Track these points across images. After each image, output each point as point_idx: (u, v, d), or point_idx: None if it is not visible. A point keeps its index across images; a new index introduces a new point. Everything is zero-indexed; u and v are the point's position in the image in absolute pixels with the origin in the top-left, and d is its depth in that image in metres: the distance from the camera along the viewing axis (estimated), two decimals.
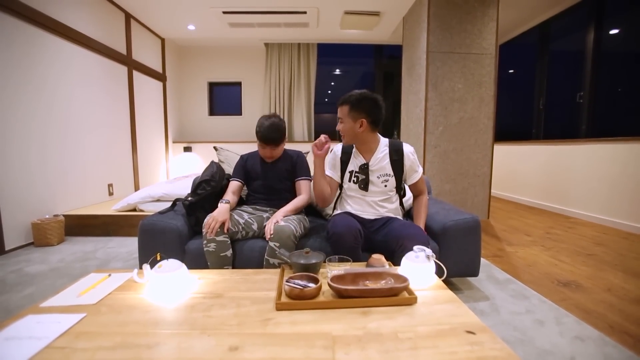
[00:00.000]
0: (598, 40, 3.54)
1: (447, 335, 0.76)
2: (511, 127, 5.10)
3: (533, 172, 4.11)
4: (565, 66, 4.19)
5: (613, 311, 1.54)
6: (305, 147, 2.11)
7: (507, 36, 4.82)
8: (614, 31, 3.50)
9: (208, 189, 1.66)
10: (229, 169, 1.90)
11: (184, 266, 1.01)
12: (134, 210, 2.91)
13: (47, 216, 2.65)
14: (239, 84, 5.40)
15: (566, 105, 4.11)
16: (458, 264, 1.58)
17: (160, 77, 4.65)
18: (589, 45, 3.62)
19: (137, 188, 4.04)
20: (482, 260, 2.19)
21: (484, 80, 3.22)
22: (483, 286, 1.79)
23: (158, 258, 1.03)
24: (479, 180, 3.32)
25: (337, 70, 5.91)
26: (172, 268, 0.99)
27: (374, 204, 1.55)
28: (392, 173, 1.54)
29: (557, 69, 4.25)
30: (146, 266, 1.01)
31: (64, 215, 2.73)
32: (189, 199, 1.64)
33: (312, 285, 0.92)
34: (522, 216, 3.56)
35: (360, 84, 5.98)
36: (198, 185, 1.66)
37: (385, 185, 1.54)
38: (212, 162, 1.83)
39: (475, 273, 1.63)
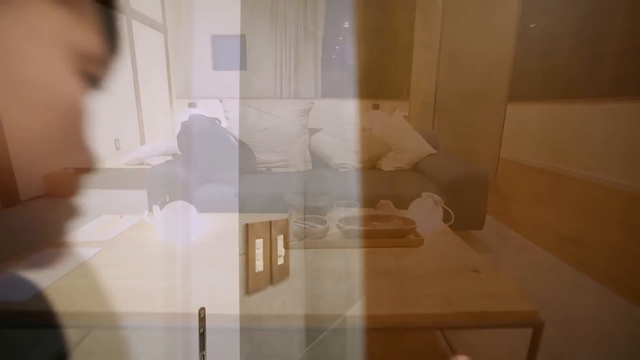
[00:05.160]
0: None
1: (453, 273, 0.77)
2: (528, 85, 4.83)
3: (545, 133, 3.99)
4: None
5: (613, 265, 1.56)
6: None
7: None
8: None
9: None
10: (234, 120, 1.88)
11: (192, 207, 1.03)
12: (142, 164, 2.94)
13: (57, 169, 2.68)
14: (243, 37, 5.14)
15: (597, 59, 3.78)
16: (464, 216, 1.58)
17: (161, 28, 4.44)
18: None
19: (143, 144, 4.06)
20: (487, 217, 2.21)
21: (503, 31, 3.01)
22: (486, 240, 1.82)
23: (167, 200, 1.04)
24: (489, 139, 3.24)
25: (346, 23, 5.56)
26: (181, 209, 1.00)
27: None
28: None
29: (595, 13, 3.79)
30: (156, 207, 1.02)
31: (73, 169, 2.77)
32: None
33: (319, 226, 0.93)
34: (531, 177, 3.53)
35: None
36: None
37: None
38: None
39: (480, 226, 1.64)
